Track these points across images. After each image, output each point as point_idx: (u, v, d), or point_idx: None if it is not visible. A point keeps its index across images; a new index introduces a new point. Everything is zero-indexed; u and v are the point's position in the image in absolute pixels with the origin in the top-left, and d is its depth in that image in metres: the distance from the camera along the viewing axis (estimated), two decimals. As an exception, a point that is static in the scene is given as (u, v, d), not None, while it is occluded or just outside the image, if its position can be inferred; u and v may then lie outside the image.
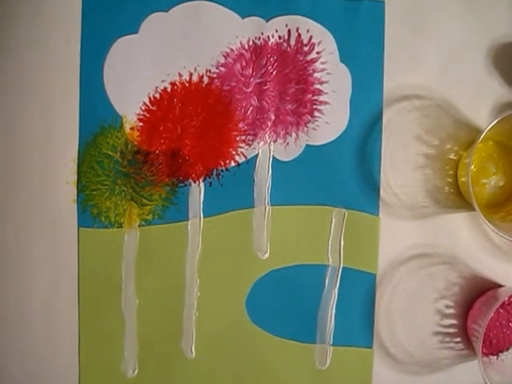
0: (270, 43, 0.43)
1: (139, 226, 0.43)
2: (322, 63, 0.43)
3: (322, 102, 0.43)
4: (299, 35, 0.43)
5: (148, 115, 0.43)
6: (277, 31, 0.43)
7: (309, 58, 0.43)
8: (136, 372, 0.43)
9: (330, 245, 0.43)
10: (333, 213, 0.43)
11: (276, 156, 0.43)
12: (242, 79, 0.43)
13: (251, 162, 0.43)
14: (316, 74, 0.43)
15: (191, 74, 0.43)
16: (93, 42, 0.43)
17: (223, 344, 0.43)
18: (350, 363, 0.43)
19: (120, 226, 0.43)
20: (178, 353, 0.43)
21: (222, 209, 0.43)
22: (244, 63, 0.43)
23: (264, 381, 0.44)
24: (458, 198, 0.44)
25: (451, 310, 0.44)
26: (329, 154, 0.43)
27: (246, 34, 0.43)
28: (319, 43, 0.43)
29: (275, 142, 0.43)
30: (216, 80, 0.43)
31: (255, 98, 0.43)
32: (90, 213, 0.43)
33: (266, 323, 0.43)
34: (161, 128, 0.43)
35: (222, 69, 0.43)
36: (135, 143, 0.43)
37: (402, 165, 0.43)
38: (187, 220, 0.43)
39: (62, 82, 0.43)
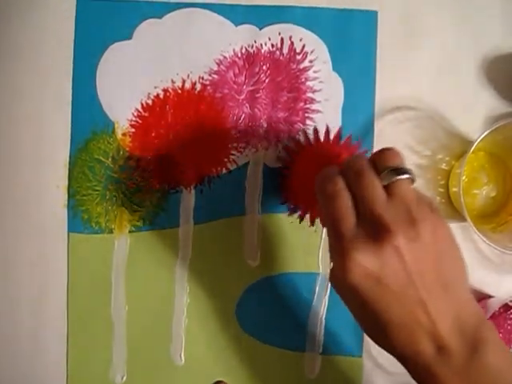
0: (262, 51, 0.43)
1: (130, 231, 0.43)
2: (315, 72, 0.43)
3: (314, 111, 0.43)
4: (292, 44, 0.43)
5: (140, 121, 0.43)
6: (270, 39, 0.43)
7: (301, 66, 0.43)
8: (124, 378, 0.43)
9: (320, 253, 0.43)
10: (324, 221, 0.43)
11: (267, 164, 0.43)
12: (235, 87, 0.43)
13: (243, 170, 0.43)
14: (308, 83, 0.43)
15: (184, 81, 0.43)
16: (86, 47, 0.43)
17: (212, 351, 0.43)
18: (340, 372, 0.43)
19: (110, 231, 0.43)
20: (167, 359, 0.43)
21: (213, 216, 0.43)
22: (237, 71, 0.43)
23: (253, 389, 0.43)
24: (450, 209, 0.44)
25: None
26: (320, 163, 0.43)
27: (239, 41, 0.43)
28: (312, 52, 0.43)
29: (267, 149, 0.43)
30: (209, 87, 0.43)
31: (247, 105, 0.43)
32: (80, 218, 0.43)
33: (256, 331, 0.43)
34: (153, 134, 0.43)
35: (215, 76, 0.43)
36: (127, 149, 0.43)
37: (394, 174, 0.43)
38: (178, 226, 0.43)
39: (55, 86, 0.43)
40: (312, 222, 0.43)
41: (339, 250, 0.30)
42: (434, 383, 0.30)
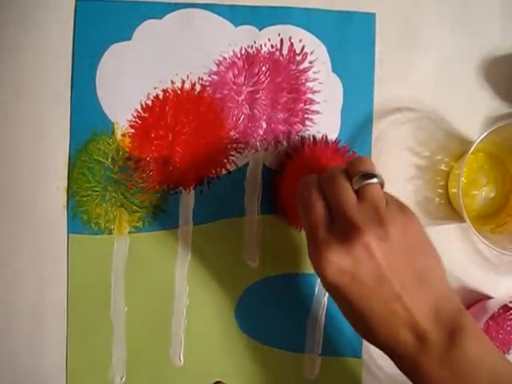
0: (262, 52, 0.43)
1: (129, 232, 0.43)
2: (315, 73, 0.43)
3: (313, 112, 0.43)
4: (292, 44, 0.43)
5: (140, 122, 0.43)
6: (269, 40, 0.43)
7: (301, 67, 0.43)
8: (124, 379, 0.43)
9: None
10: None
11: (267, 164, 0.43)
12: (234, 87, 0.43)
13: (242, 170, 0.43)
14: (308, 84, 0.43)
15: (183, 82, 0.43)
16: (86, 48, 0.43)
17: (212, 352, 0.43)
18: (339, 373, 0.43)
19: (110, 232, 0.43)
20: (166, 360, 0.43)
21: (213, 217, 0.43)
22: (236, 71, 0.43)
23: (252, 390, 0.43)
24: (449, 209, 0.44)
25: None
26: (320, 164, 0.43)
27: (238, 42, 0.43)
28: (311, 53, 0.43)
29: (266, 150, 0.43)
30: (208, 88, 0.43)
31: (247, 106, 0.43)
32: (80, 219, 0.43)
33: (256, 331, 0.43)
34: (152, 135, 0.43)
35: (215, 77, 0.43)
36: (126, 150, 0.43)
37: (393, 176, 0.43)
38: (177, 227, 0.43)
39: (54, 87, 0.43)
40: (299, 228, 0.43)
41: (315, 252, 0.32)
42: (417, 372, 0.31)
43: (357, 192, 0.33)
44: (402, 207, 0.33)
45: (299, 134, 0.43)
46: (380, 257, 0.31)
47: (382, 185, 0.34)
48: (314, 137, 0.43)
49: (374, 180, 0.33)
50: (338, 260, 0.31)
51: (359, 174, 0.33)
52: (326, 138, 0.43)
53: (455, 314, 0.31)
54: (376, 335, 0.32)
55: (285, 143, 0.43)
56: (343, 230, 0.32)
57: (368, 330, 0.32)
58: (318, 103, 0.43)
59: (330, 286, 0.32)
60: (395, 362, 0.33)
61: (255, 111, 0.43)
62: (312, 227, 0.33)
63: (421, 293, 0.31)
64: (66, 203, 0.43)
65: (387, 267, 0.31)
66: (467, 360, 0.31)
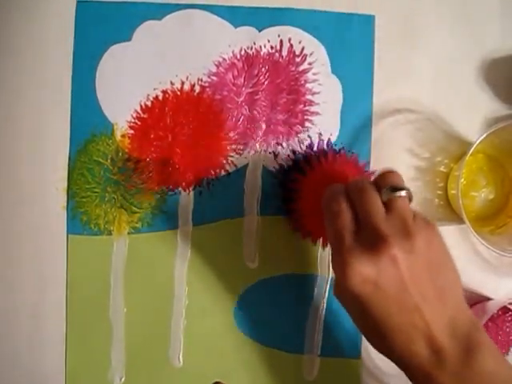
0: (262, 53, 0.43)
1: (128, 233, 0.43)
2: (314, 74, 0.43)
3: (313, 113, 0.43)
4: (291, 46, 0.43)
5: (139, 123, 0.43)
6: (269, 41, 0.43)
7: (301, 68, 0.43)
8: (123, 380, 0.43)
9: (319, 255, 0.43)
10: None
11: (266, 166, 0.43)
12: (234, 88, 0.43)
13: (241, 172, 0.43)
14: (308, 85, 0.43)
15: (183, 83, 0.43)
16: (85, 48, 0.43)
17: (211, 353, 0.43)
18: (338, 374, 0.43)
19: (109, 233, 0.43)
20: (165, 361, 0.43)
21: (212, 218, 0.43)
22: (236, 73, 0.43)
23: (251, 391, 0.43)
24: (448, 211, 0.44)
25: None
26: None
27: (238, 43, 0.43)
28: (311, 54, 0.43)
29: (266, 151, 0.43)
30: (207, 89, 0.43)
31: (246, 107, 0.43)
32: (79, 220, 0.43)
33: (255, 332, 0.43)
34: (152, 136, 0.43)
35: (214, 78, 0.43)
36: (126, 151, 0.43)
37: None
38: (177, 228, 0.43)
39: (54, 88, 0.43)
40: (324, 245, 0.42)
41: (340, 260, 0.32)
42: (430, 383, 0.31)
43: (385, 204, 0.33)
44: (427, 222, 0.33)
45: (313, 149, 0.43)
46: (404, 268, 0.31)
47: (410, 198, 0.34)
48: (326, 150, 0.43)
49: (403, 193, 0.33)
50: (363, 269, 0.31)
51: (388, 186, 0.34)
52: (339, 150, 0.43)
53: (472, 329, 0.31)
54: (391, 346, 0.32)
55: (298, 155, 0.43)
56: (370, 239, 0.32)
57: (384, 341, 0.32)
58: (318, 104, 0.43)
59: (350, 295, 0.32)
60: (408, 375, 0.33)
61: (255, 112, 0.43)
62: (338, 235, 0.33)
63: (440, 307, 0.32)
64: (65, 204, 0.43)
65: (410, 279, 0.31)
66: (482, 376, 0.31)
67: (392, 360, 0.33)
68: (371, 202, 0.33)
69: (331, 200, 0.35)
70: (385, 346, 0.32)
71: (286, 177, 0.43)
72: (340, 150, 0.43)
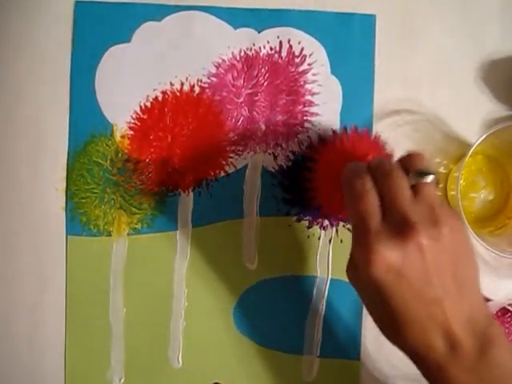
0: (261, 54, 0.43)
1: (128, 234, 0.43)
2: (314, 75, 0.43)
3: (312, 114, 0.43)
4: (291, 47, 0.43)
5: (139, 124, 0.43)
6: (268, 42, 0.43)
7: (300, 69, 0.43)
8: (122, 381, 0.43)
9: (318, 256, 0.43)
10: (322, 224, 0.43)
11: (266, 167, 0.43)
12: (233, 90, 0.43)
13: (241, 172, 0.43)
14: (307, 86, 0.43)
15: (182, 84, 0.43)
16: (85, 49, 0.43)
17: (210, 354, 0.43)
18: (337, 375, 0.43)
19: (109, 234, 0.43)
20: (164, 362, 0.43)
21: (211, 219, 0.43)
22: (235, 74, 0.43)
23: (251, 392, 0.43)
24: (447, 212, 0.44)
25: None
26: (319, 166, 0.43)
27: (237, 44, 0.43)
28: (310, 55, 0.43)
29: (265, 152, 0.43)
30: (207, 90, 0.43)
31: (246, 108, 0.43)
32: (78, 221, 0.43)
33: (254, 334, 0.43)
34: (151, 137, 0.43)
35: (214, 79, 0.43)
36: (125, 151, 0.43)
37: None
38: (176, 229, 0.43)
39: (54, 89, 0.43)
40: (333, 219, 0.42)
41: (364, 243, 0.31)
42: (443, 380, 0.31)
43: (411, 188, 0.32)
44: (451, 210, 0.32)
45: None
46: (430, 258, 0.30)
47: (437, 183, 0.33)
48: (355, 127, 0.42)
49: (431, 178, 0.32)
50: (389, 255, 0.30)
51: (416, 170, 0.32)
52: (357, 128, 0.42)
53: (488, 325, 0.31)
54: (406, 338, 0.31)
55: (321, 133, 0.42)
56: (397, 224, 0.30)
57: (399, 331, 0.31)
58: (317, 105, 0.43)
59: (371, 281, 0.31)
60: (420, 368, 0.32)
61: (254, 113, 0.43)
62: (363, 217, 0.32)
63: (460, 301, 0.31)
64: (64, 205, 0.43)
65: (434, 270, 0.30)
66: (496, 371, 0.30)
67: (405, 352, 0.32)
68: (399, 186, 0.32)
69: (354, 178, 0.33)
70: (399, 336, 0.32)
71: (302, 157, 0.42)
72: (357, 129, 0.42)
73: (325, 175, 0.40)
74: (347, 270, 0.33)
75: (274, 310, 0.43)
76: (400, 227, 0.30)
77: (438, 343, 0.30)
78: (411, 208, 0.31)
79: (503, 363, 0.30)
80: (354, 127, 0.42)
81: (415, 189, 0.32)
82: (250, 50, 0.43)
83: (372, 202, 0.32)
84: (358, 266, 0.31)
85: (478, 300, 0.32)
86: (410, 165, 0.33)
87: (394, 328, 0.32)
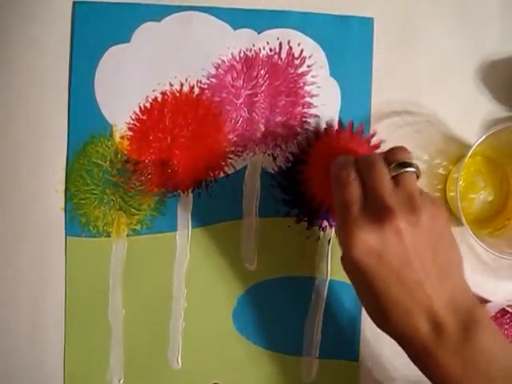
0: (261, 55, 0.43)
1: (127, 235, 0.43)
2: (313, 76, 0.43)
3: (311, 115, 0.43)
4: (290, 48, 0.43)
5: (138, 124, 0.43)
6: (268, 43, 0.43)
7: (299, 71, 0.43)
8: (122, 381, 0.43)
9: (317, 257, 0.43)
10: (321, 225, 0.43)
11: (265, 168, 0.43)
12: (233, 91, 0.43)
13: (240, 174, 0.43)
14: (306, 87, 0.43)
15: (182, 85, 0.43)
16: (84, 49, 0.43)
17: (209, 355, 0.43)
18: (336, 376, 0.43)
19: (108, 235, 0.43)
20: (164, 363, 0.43)
21: (211, 220, 0.43)
22: (235, 75, 0.43)
23: (250, 393, 0.43)
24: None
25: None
26: (318, 167, 0.43)
27: (237, 45, 0.43)
28: (310, 57, 0.43)
29: (264, 153, 0.43)
30: (207, 91, 0.43)
31: (245, 109, 0.43)
32: (78, 221, 0.43)
33: (253, 335, 0.43)
34: (151, 138, 0.43)
35: (213, 80, 0.43)
36: (125, 152, 0.43)
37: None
38: (175, 230, 0.43)
39: (53, 89, 0.43)
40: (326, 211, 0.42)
41: (346, 229, 0.33)
42: (430, 362, 0.32)
43: (393, 179, 0.34)
44: (433, 199, 0.34)
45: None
46: (408, 242, 0.31)
47: (418, 175, 0.35)
48: (339, 121, 0.43)
49: (411, 169, 0.34)
50: (368, 238, 0.32)
51: (397, 161, 0.34)
52: (353, 124, 0.43)
53: (471, 307, 0.32)
54: (391, 321, 0.32)
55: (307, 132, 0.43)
56: (376, 211, 0.32)
57: (384, 315, 0.32)
58: (316, 107, 0.43)
59: (354, 265, 0.32)
60: (406, 351, 0.33)
61: (254, 114, 0.43)
62: (345, 205, 0.34)
63: (441, 283, 0.32)
64: (64, 206, 0.43)
65: (414, 253, 0.32)
66: (481, 353, 0.31)
67: (391, 336, 0.33)
68: (380, 175, 0.34)
69: (340, 170, 0.35)
70: (385, 320, 0.32)
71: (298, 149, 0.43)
72: (353, 126, 0.43)
73: (316, 168, 0.41)
74: (341, 259, 0.34)
75: (274, 311, 0.43)
76: (379, 213, 0.32)
77: (422, 325, 0.31)
78: (391, 195, 0.33)
79: (488, 345, 0.31)
80: (350, 123, 0.43)
81: (396, 179, 0.34)
82: (250, 50, 0.43)
83: (354, 190, 0.34)
84: (343, 252, 0.33)
85: (460, 283, 0.33)
86: (392, 157, 0.35)
87: (380, 312, 0.33)
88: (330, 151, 0.41)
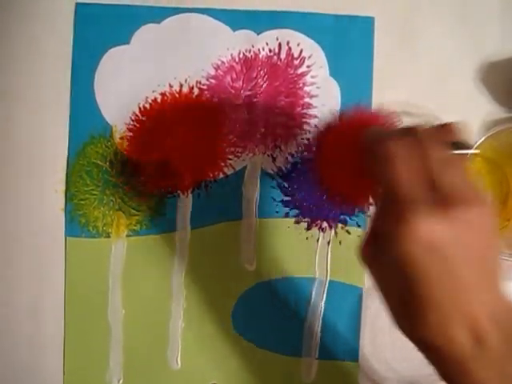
0: (260, 56, 0.43)
1: (127, 236, 0.43)
2: (312, 77, 0.43)
3: (311, 116, 0.43)
4: (290, 49, 0.43)
5: (138, 125, 0.43)
6: (267, 44, 0.43)
7: (299, 71, 0.43)
8: (121, 382, 0.43)
9: (317, 258, 0.43)
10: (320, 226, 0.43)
11: (265, 168, 0.43)
12: (232, 91, 0.43)
13: (240, 174, 0.43)
14: (306, 88, 0.43)
15: (181, 86, 0.43)
16: (84, 51, 0.43)
17: (209, 355, 0.43)
18: (336, 377, 0.43)
19: (108, 235, 0.43)
20: (163, 363, 0.43)
21: (210, 220, 0.43)
22: (234, 75, 0.43)
23: (249, 393, 0.43)
24: (446, 214, 0.43)
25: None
26: (318, 168, 0.43)
27: (236, 46, 0.43)
28: (309, 57, 0.43)
29: (264, 154, 0.43)
30: (206, 92, 0.43)
31: (245, 110, 0.43)
32: (77, 222, 0.43)
33: (252, 335, 0.43)
34: (150, 138, 0.43)
35: (213, 81, 0.43)
36: (124, 153, 0.43)
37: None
38: (175, 231, 0.43)
39: (53, 90, 0.43)
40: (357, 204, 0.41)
41: (396, 213, 0.27)
42: (464, 376, 0.28)
43: (446, 161, 0.28)
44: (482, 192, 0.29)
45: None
46: (475, 239, 0.27)
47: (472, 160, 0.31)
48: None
49: (470, 151, 0.29)
50: (430, 228, 0.26)
51: (454, 142, 0.29)
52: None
53: (510, 318, 0.28)
54: (425, 326, 0.27)
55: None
56: (444, 197, 0.27)
57: (418, 316, 0.27)
58: (316, 107, 0.43)
59: (400, 256, 0.26)
60: (437, 363, 0.28)
61: (253, 115, 0.43)
62: (397, 182, 0.28)
63: (486, 293, 0.27)
64: (64, 206, 0.43)
65: (475, 253, 0.27)
66: None
67: (422, 345, 0.28)
68: (437, 154, 0.28)
69: (383, 142, 0.29)
70: (418, 324, 0.27)
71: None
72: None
73: (328, 156, 0.39)
74: (362, 248, 0.30)
75: (273, 312, 0.43)
76: (449, 200, 0.26)
77: (462, 336, 0.27)
78: (454, 182, 0.27)
79: None
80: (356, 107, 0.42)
81: (450, 162, 0.28)
82: (249, 51, 0.43)
83: (408, 166, 0.28)
84: (385, 240, 0.27)
85: (501, 294, 0.28)
86: (448, 136, 0.29)
87: (413, 313, 0.28)
88: (342, 135, 0.38)
